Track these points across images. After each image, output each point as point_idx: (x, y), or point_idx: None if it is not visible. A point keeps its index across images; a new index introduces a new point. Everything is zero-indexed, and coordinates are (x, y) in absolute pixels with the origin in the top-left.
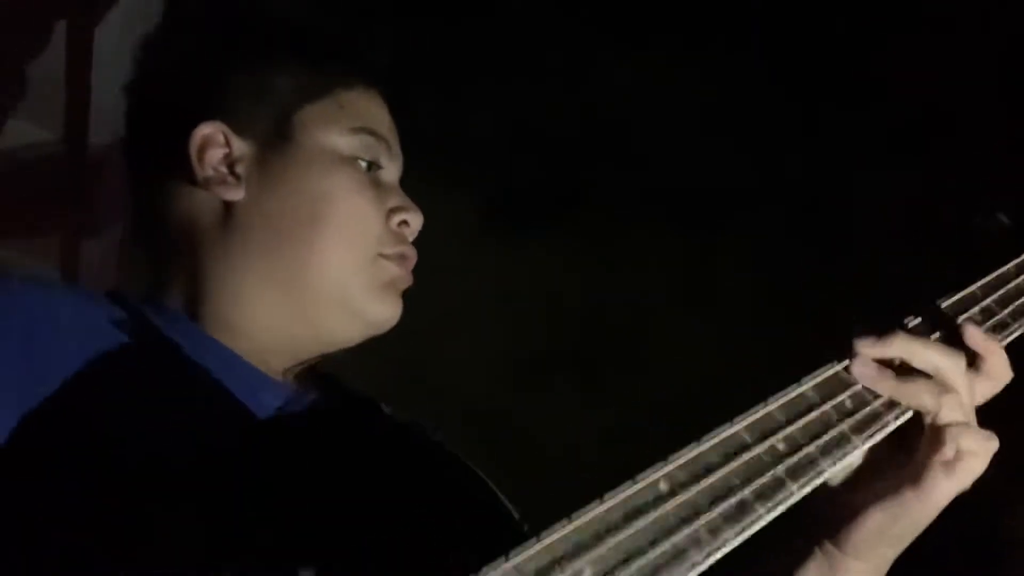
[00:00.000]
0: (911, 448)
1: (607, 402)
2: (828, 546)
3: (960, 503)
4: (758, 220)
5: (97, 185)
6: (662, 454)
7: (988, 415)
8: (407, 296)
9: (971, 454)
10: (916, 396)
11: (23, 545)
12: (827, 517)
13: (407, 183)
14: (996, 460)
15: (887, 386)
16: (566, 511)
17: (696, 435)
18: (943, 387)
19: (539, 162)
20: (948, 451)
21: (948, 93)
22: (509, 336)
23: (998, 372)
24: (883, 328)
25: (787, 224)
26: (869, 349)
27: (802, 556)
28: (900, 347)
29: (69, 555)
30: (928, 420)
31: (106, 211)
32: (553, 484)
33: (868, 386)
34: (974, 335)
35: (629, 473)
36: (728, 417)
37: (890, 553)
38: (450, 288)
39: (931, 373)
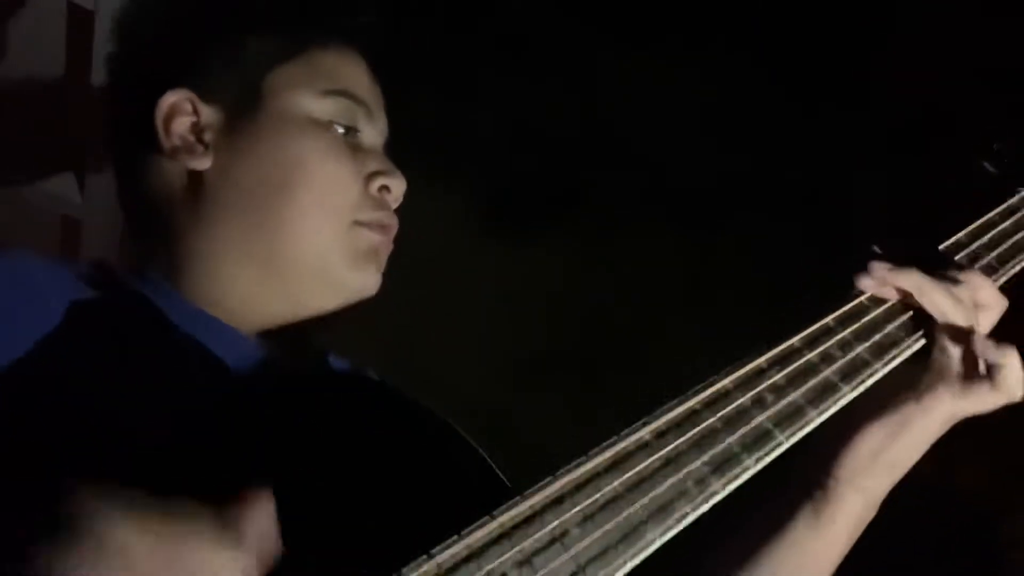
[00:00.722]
0: (914, 368)
1: (607, 402)
2: (822, 477)
3: (960, 503)
4: (758, 220)
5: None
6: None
7: (988, 415)
8: (408, 296)
9: (984, 381)
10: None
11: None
12: (822, 447)
13: (407, 181)
14: (996, 461)
15: (892, 293)
16: None
17: None
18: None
19: (539, 162)
20: (960, 360)
21: (948, 93)
22: (509, 336)
23: (993, 297)
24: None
25: (787, 225)
26: (883, 273)
27: (796, 493)
28: (911, 280)
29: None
30: (938, 334)
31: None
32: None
33: (875, 292)
34: (968, 274)
35: None
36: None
37: (885, 482)
38: (450, 288)
39: (935, 314)
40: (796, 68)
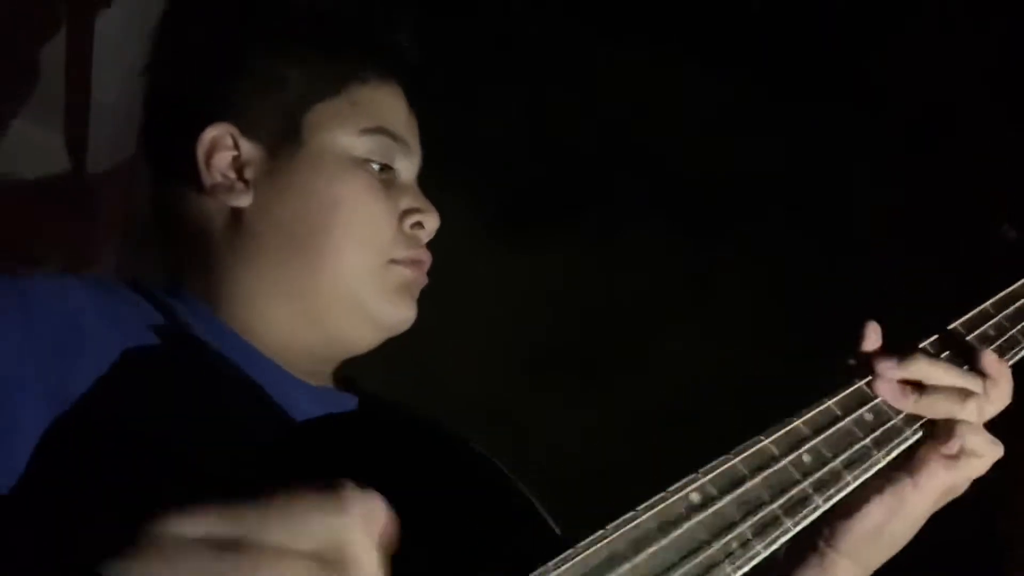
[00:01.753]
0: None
1: (611, 404)
2: (822, 546)
3: (960, 503)
4: (762, 223)
5: (98, 182)
6: (665, 456)
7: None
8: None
9: (974, 454)
10: (935, 407)
11: (59, 545)
12: (826, 518)
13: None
14: (996, 461)
15: (909, 403)
16: (569, 511)
17: (701, 437)
18: (960, 399)
19: (542, 165)
20: (953, 445)
21: (952, 94)
22: (513, 338)
23: (1004, 395)
24: (903, 349)
25: (790, 227)
26: (892, 371)
27: (795, 559)
28: (920, 370)
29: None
30: (939, 421)
31: (107, 207)
32: (556, 485)
33: (891, 403)
34: (990, 361)
35: (635, 475)
36: (737, 423)
37: (880, 556)
38: (456, 290)
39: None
40: (799, 70)
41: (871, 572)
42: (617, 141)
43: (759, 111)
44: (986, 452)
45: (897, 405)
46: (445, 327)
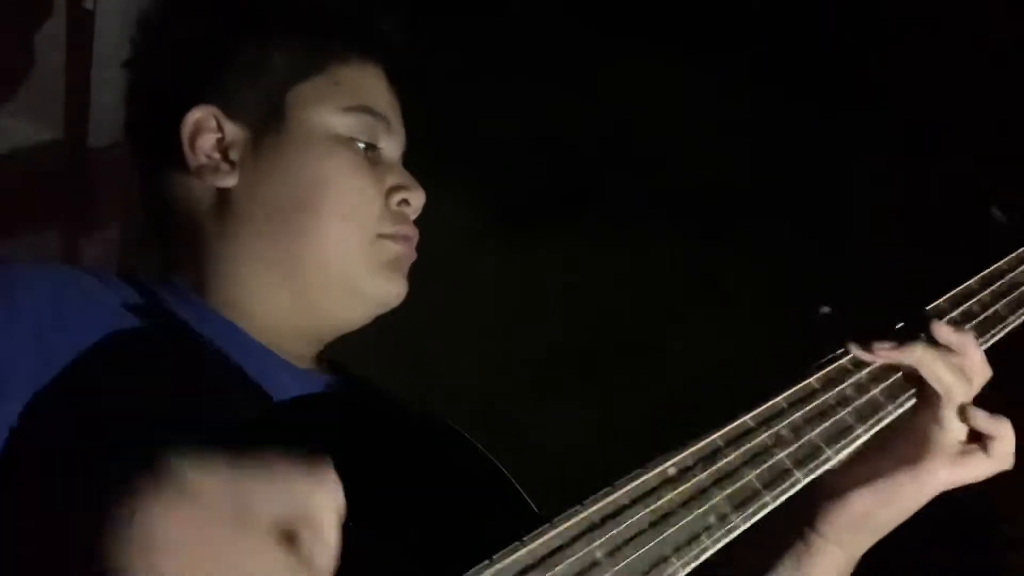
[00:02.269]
0: (909, 436)
1: (615, 404)
2: (807, 530)
3: (960, 503)
4: (764, 223)
5: (98, 181)
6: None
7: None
8: (415, 300)
9: (978, 451)
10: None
11: (39, 534)
12: (812, 501)
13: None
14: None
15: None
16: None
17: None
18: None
19: (546, 166)
20: (959, 433)
21: (952, 96)
22: (516, 338)
23: (978, 369)
24: (897, 335)
25: (793, 227)
26: (887, 353)
27: (780, 541)
28: (915, 356)
29: (86, 542)
30: (939, 410)
31: (107, 207)
32: (558, 487)
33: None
34: (943, 332)
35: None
36: None
37: (867, 541)
38: (458, 291)
39: (935, 384)
40: (801, 71)
41: (855, 559)
42: (617, 141)
43: (760, 111)
44: (998, 432)
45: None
46: (446, 327)
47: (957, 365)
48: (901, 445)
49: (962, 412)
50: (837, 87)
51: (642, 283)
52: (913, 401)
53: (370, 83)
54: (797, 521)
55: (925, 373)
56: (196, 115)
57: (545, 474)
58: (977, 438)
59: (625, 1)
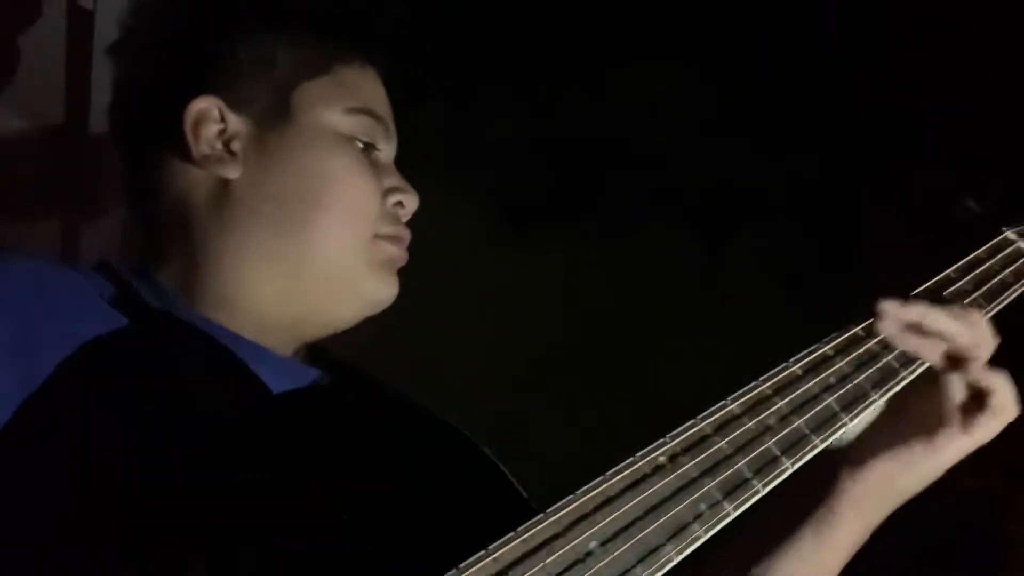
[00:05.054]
0: (924, 404)
1: (617, 405)
2: (829, 498)
3: (960, 503)
4: (768, 225)
5: (97, 180)
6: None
7: None
8: (417, 300)
9: (981, 409)
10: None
11: (30, 531)
12: (831, 469)
13: (417, 185)
14: (996, 461)
15: (912, 340)
16: None
17: None
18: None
19: (548, 167)
20: (962, 394)
21: (960, 101)
22: (518, 339)
23: (983, 337)
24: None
25: (797, 229)
26: (895, 309)
27: (802, 507)
28: (919, 311)
29: (78, 538)
30: (942, 374)
31: (107, 195)
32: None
33: (894, 340)
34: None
35: None
36: None
37: (884, 509)
38: (460, 292)
39: (944, 336)
40: (806, 73)
41: (871, 527)
42: (620, 143)
43: (762, 113)
44: (1001, 387)
45: (899, 341)
46: (447, 327)
47: (963, 316)
48: (916, 414)
49: (964, 371)
50: (837, 87)
51: (643, 284)
52: (926, 365)
53: (370, 86)
54: (820, 488)
55: (932, 326)
56: (200, 104)
57: (546, 474)
58: (979, 399)
59: (627, 2)
